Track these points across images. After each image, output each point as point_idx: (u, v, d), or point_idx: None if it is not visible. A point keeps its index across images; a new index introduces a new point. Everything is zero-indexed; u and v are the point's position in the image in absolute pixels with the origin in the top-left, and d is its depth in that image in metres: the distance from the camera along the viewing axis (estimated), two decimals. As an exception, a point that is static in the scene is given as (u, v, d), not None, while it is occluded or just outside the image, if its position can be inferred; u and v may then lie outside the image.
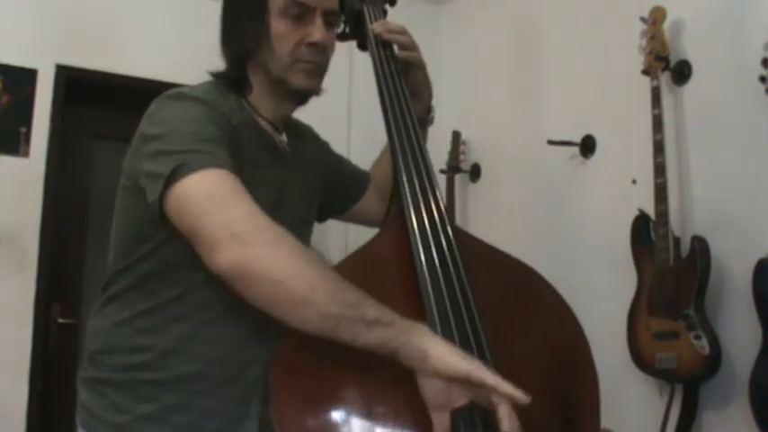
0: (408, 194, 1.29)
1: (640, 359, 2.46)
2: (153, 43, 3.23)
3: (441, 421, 1.05)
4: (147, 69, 3.17)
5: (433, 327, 1.12)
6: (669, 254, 2.38)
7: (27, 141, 3.01)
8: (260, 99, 1.36)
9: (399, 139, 1.35)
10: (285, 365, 1.10)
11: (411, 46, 1.48)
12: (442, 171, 3.43)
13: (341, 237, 2.96)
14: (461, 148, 3.49)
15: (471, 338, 1.14)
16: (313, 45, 1.31)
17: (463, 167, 3.51)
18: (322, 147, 1.59)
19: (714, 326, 2.32)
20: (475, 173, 3.58)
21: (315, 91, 1.39)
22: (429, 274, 1.18)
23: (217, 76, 1.37)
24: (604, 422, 1.26)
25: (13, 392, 2.87)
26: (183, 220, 1.14)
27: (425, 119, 1.54)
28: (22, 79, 3.01)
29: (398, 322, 1.05)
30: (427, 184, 1.31)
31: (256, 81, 1.36)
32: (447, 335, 1.12)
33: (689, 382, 2.39)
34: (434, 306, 1.16)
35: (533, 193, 3.26)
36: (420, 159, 1.34)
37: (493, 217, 3.43)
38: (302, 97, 1.40)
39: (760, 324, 2.14)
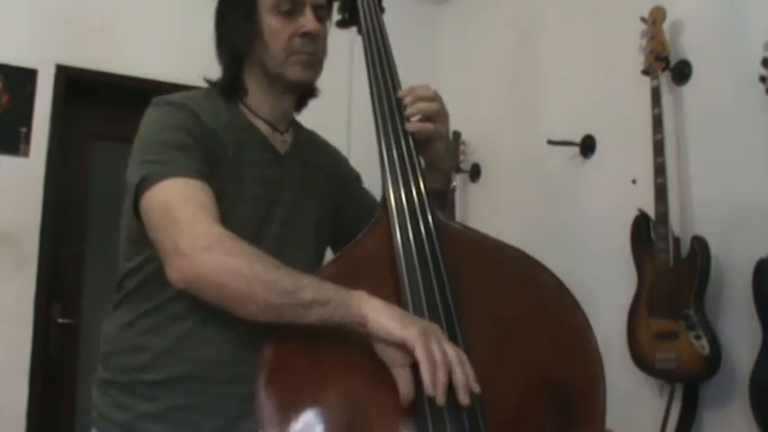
0: (390, 180, 1.25)
1: (640, 359, 2.46)
2: (153, 43, 3.23)
3: (403, 377, 1.06)
4: (147, 69, 3.17)
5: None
6: (669, 254, 2.38)
7: (27, 141, 3.01)
8: (257, 99, 1.38)
9: (384, 124, 1.31)
10: (266, 367, 1.10)
11: (435, 115, 1.32)
12: (442, 171, 3.43)
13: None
14: (461, 148, 3.49)
15: (444, 326, 1.11)
16: (306, 36, 1.32)
17: (463, 167, 3.52)
18: (344, 169, 1.57)
19: (714, 326, 2.32)
20: (475, 173, 3.58)
21: (311, 83, 1.39)
22: (406, 262, 1.16)
23: (212, 82, 1.39)
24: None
25: (13, 392, 2.87)
26: (149, 232, 1.23)
27: (444, 191, 1.40)
28: (22, 79, 3.01)
29: (335, 298, 1.08)
30: (410, 172, 1.26)
31: (253, 81, 1.38)
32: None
33: (689, 382, 2.40)
34: (409, 295, 1.14)
35: (533, 193, 3.26)
36: (404, 145, 1.28)
37: (493, 217, 3.43)
38: (299, 91, 1.41)
39: (760, 324, 2.14)
